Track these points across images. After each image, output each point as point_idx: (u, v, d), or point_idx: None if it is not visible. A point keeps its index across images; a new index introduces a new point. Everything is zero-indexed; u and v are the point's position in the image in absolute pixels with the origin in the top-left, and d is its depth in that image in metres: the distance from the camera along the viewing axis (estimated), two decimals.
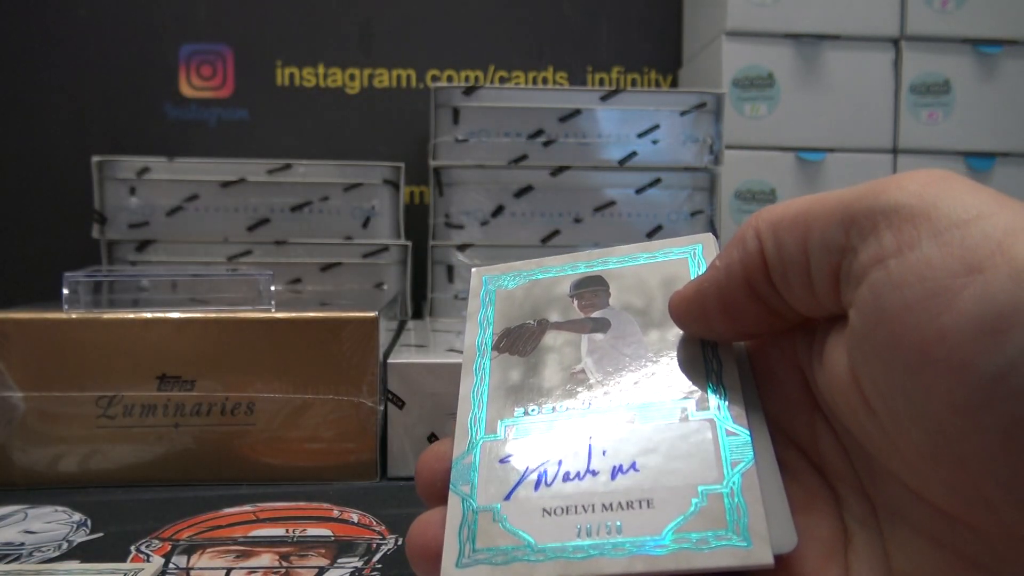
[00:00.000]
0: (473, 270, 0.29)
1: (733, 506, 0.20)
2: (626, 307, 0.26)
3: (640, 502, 0.20)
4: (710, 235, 0.27)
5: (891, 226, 0.18)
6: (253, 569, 0.35)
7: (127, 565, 0.35)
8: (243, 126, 0.88)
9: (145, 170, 0.70)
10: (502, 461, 0.22)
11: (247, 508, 0.43)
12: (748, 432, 0.21)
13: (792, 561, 0.20)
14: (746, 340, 0.24)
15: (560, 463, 0.22)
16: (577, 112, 0.72)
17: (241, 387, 0.47)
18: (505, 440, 0.23)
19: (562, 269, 0.28)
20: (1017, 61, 0.81)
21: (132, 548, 0.37)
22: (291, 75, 0.89)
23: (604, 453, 0.22)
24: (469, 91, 0.73)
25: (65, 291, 0.49)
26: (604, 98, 0.73)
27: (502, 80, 0.90)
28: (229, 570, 0.35)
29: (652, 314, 0.26)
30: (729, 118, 0.77)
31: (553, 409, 0.24)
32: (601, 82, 0.91)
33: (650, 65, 0.92)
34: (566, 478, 0.21)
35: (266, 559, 0.36)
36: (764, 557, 0.19)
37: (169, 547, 0.37)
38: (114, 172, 0.70)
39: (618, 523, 0.20)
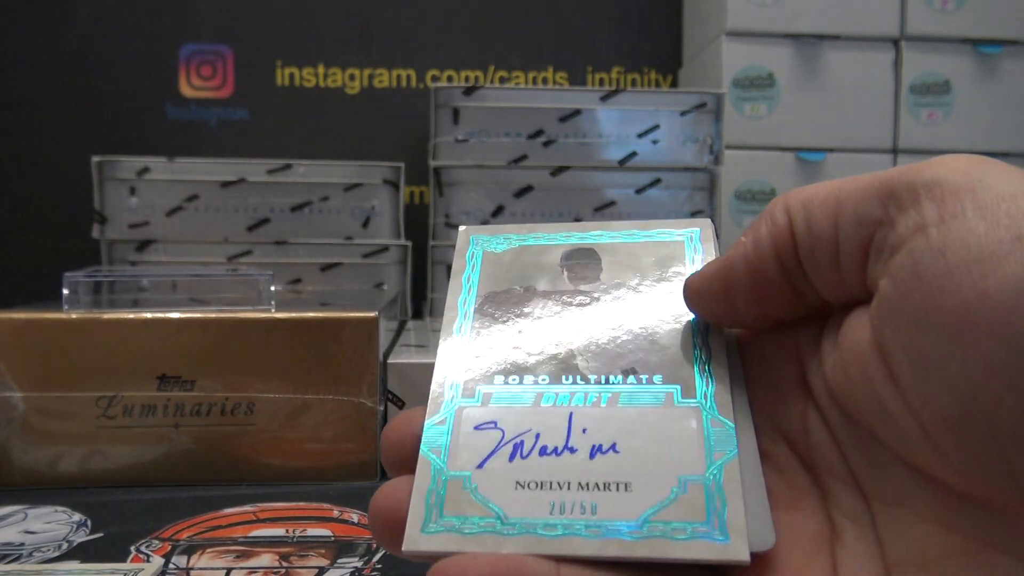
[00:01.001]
0: (461, 228, 0.27)
1: (712, 498, 0.19)
2: (617, 284, 0.25)
3: (618, 484, 0.20)
4: (708, 221, 0.26)
5: (933, 198, 0.18)
6: (253, 569, 0.35)
7: (127, 565, 0.35)
8: (243, 126, 0.88)
9: (145, 170, 0.70)
10: (477, 428, 0.22)
11: (247, 508, 0.43)
12: (733, 424, 0.21)
13: (774, 558, 0.19)
14: (763, 326, 0.23)
15: (538, 436, 0.21)
16: (577, 112, 0.72)
17: (241, 387, 0.47)
18: (482, 406, 0.22)
19: (554, 238, 0.27)
20: (1017, 61, 0.81)
21: (132, 548, 0.37)
22: (291, 75, 0.89)
23: (584, 431, 0.21)
24: (469, 91, 0.73)
25: (65, 291, 0.49)
26: (604, 98, 0.73)
27: (502, 80, 0.90)
28: (229, 570, 0.35)
29: (644, 294, 0.25)
30: (729, 118, 0.77)
31: (534, 380, 0.23)
32: (601, 82, 0.91)
33: (650, 65, 0.92)
34: (543, 452, 0.21)
35: (266, 559, 0.36)
36: (741, 553, 0.18)
37: (169, 547, 0.37)
38: (114, 172, 0.70)
39: (593, 504, 0.19)
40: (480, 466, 0.21)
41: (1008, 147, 0.81)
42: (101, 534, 0.39)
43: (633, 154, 0.73)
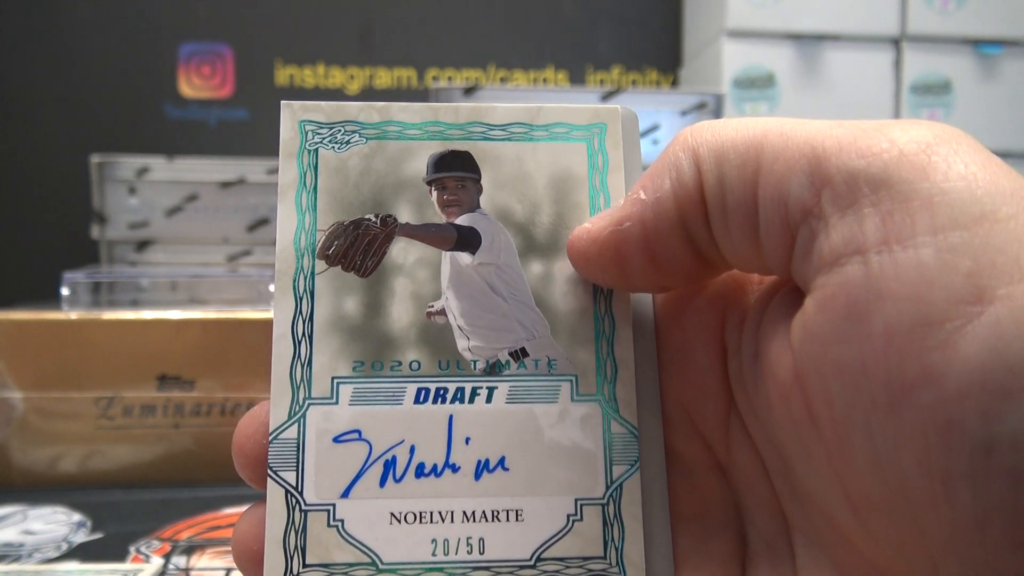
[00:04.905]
0: (283, 104, 0.20)
1: (611, 526, 0.18)
2: (502, 214, 0.19)
3: (508, 512, 0.17)
4: (617, 109, 0.21)
5: (877, 204, 0.14)
6: None
7: (127, 565, 0.35)
8: (243, 126, 0.88)
9: (145, 170, 0.70)
10: (337, 439, 0.18)
11: (247, 508, 0.42)
12: (636, 429, 0.18)
13: None
14: (670, 289, 0.19)
15: (413, 450, 0.18)
16: None
17: (241, 387, 0.46)
18: (340, 407, 0.18)
19: (419, 127, 0.20)
20: (1017, 61, 0.81)
21: (132, 548, 0.37)
22: (291, 75, 0.89)
23: (468, 441, 0.18)
24: (469, 91, 0.72)
25: (65, 291, 0.49)
26: (604, 98, 0.73)
27: (502, 80, 0.90)
28: (229, 570, 0.35)
29: (534, 233, 0.19)
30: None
31: (403, 368, 0.18)
32: (601, 82, 0.91)
33: (650, 65, 0.92)
34: (420, 472, 0.18)
35: None
36: None
37: (169, 547, 0.37)
38: (114, 172, 0.70)
39: (481, 539, 0.17)
40: (345, 494, 0.17)
41: (1009, 147, 0.81)
42: (101, 534, 0.39)
43: None
